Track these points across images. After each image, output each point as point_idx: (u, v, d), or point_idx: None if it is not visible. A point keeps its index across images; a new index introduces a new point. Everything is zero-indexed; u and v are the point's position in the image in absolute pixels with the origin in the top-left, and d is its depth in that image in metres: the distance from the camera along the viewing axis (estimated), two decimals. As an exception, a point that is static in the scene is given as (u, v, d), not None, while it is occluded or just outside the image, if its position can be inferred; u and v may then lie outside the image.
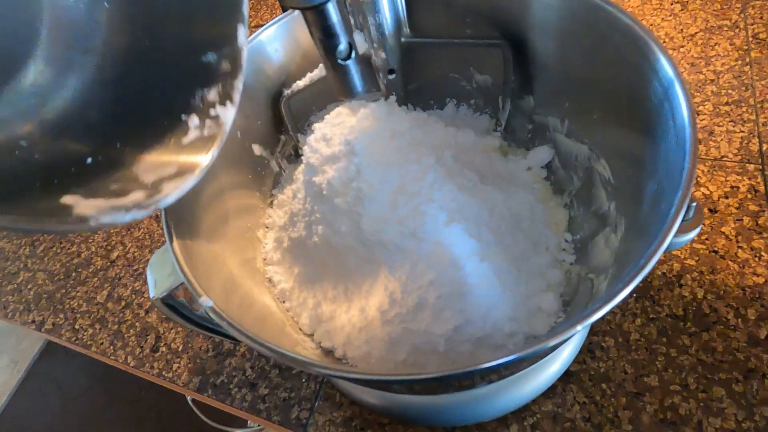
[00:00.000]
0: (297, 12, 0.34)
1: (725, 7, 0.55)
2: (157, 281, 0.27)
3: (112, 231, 0.57)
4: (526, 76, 0.36)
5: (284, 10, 0.54)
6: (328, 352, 0.32)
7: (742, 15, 0.53)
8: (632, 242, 0.26)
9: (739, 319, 0.36)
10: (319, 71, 0.34)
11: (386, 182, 0.30)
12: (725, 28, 0.53)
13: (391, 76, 0.34)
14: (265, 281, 0.35)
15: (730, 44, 0.52)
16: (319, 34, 0.20)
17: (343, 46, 0.20)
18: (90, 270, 0.55)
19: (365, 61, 0.27)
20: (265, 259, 0.36)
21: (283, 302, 0.34)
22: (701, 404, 0.34)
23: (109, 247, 0.56)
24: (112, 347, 0.48)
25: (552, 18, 0.30)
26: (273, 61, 0.35)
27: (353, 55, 0.21)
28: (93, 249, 0.57)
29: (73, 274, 0.55)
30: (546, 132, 0.37)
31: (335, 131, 0.31)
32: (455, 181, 0.32)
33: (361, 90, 0.23)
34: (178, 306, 0.29)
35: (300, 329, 0.33)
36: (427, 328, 0.29)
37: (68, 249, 0.58)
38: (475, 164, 0.35)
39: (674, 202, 0.19)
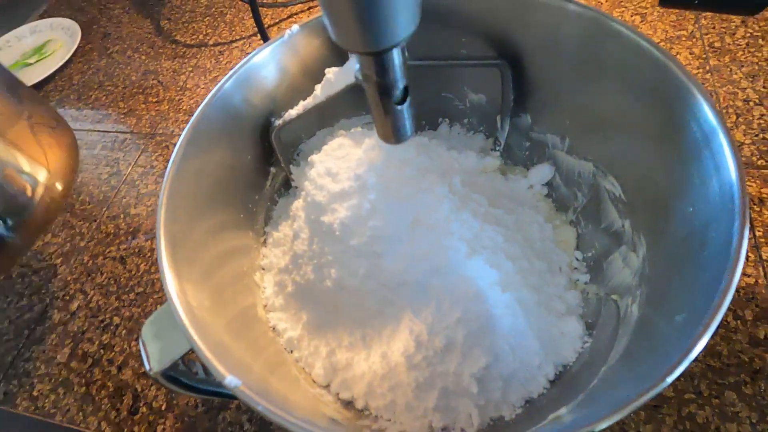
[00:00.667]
0: (287, 36, 0.32)
1: (681, 18, 0.58)
2: (154, 352, 0.24)
3: (69, 278, 0.51)
4: (523, 94, 0.35)
5: (260, 38, 0.51)
6: (348, 404, 0.30)
7: (697, 25, 0.57)
8: (663, 263, 0.25)
9: (738, 321, 0.37)
10: (313, 99, 0.32)
11: (402, 217, 0.28)
12: (683, 38, 0.56)
13: (391, 101, 0.32)
14: (268, 331, 0.32)
15: (690, 53, 0.54)
16: (375, 78, 0.18)
17: (399, 90, 0.18)
18: (46, 326, 0.49)
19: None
20: (266, 306, 0.33)
21: (291, 352, 0.31)
22: (716, 410, 0.34)
23: (68, 297, 0.50)
24: (81, 414, 0.43)
25: (558, 39, 0.30)
26: (261, 91, 0.32)
27: (408, 98, 0.19)
28: (48, 301, 0.50)
29: (26, 332, 0.48)
30: (545, 149, 0.37)
31: (340, 165, 0.29)
32: (468, 208, 0.31)
33: (411, 134, 0.21)
34: (179, 376, 0.25)
35: (314, 381, 0.30)
36: (458, 369, 0.27)
37: (17, 303, 0.51)
38: (481, 187, 0.34)
39: (733, 231, 0.18)
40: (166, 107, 0.64)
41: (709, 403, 0.34)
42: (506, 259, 0.30)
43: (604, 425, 0.19)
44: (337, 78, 0.31)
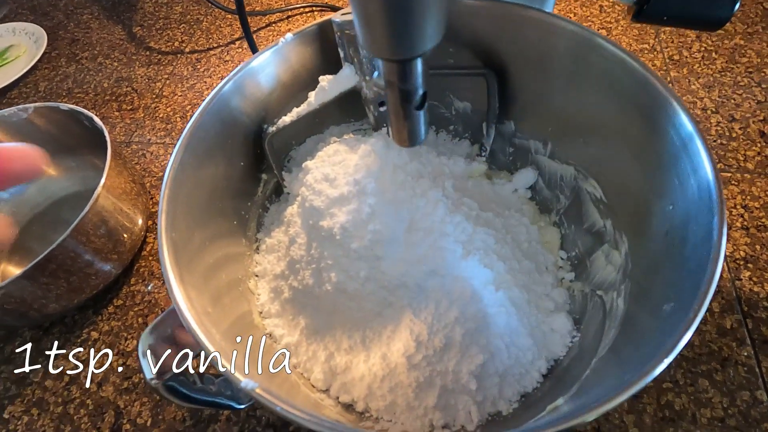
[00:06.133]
0: (280, 44, 0.32)
1: (642, 32, 0.62)
2: (155, 360, 0.23)
3: (40, 293, 0.49)
4: (507, 101, 0.37)
5: (247, 46, 0.51)
6: (348, 407, 0.30)
7: (657, 39, 0.61)
8: (646, 258, 0.27)
9: (707, 313, 0.40)
10: (307, 106, 0.32)
11: (399, 221, 0.28)
12: (646, 51, 0.60)
13: (383, 108, 0.33)
14: (266, 338, 0.32)
15: (653, 65, 0.58)
16: (399, 84, 0.18)
17: (419, 96, 0.19)
18: (16, 343, 0.46)
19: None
20: (261, 313, 0.33)
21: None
22: (692, 397, 0.36)
23: (40, 313, 0.47)
24: (58, 435, 0.41)
25: (543, 52, 0.31)
26: (254, 97, 0.32)
27: (426, 104, 0.20)
28: (17, 317, 0.47)
29: (-6, 352, 0.46)
30: (528, 154, 0.39)
31: (337, 170, 0.29)
32: (461, 211, 0.32)
33: (424, 138, 0.22)
34: (179, 385, 0.25)
35: (313, 386, 0.30)
36: (456, 367, 0.28)
37: (-17, 321, 0.48)
38: (470, 191, 0.36)
39: (713, 225, 0.20)
40: (142, 115, 0.63)
41: (684, 391, 0.37)
42: (498, 259, 0.32)
43: (601, 412, 0.20)
44: (330, 86, 0.32)
